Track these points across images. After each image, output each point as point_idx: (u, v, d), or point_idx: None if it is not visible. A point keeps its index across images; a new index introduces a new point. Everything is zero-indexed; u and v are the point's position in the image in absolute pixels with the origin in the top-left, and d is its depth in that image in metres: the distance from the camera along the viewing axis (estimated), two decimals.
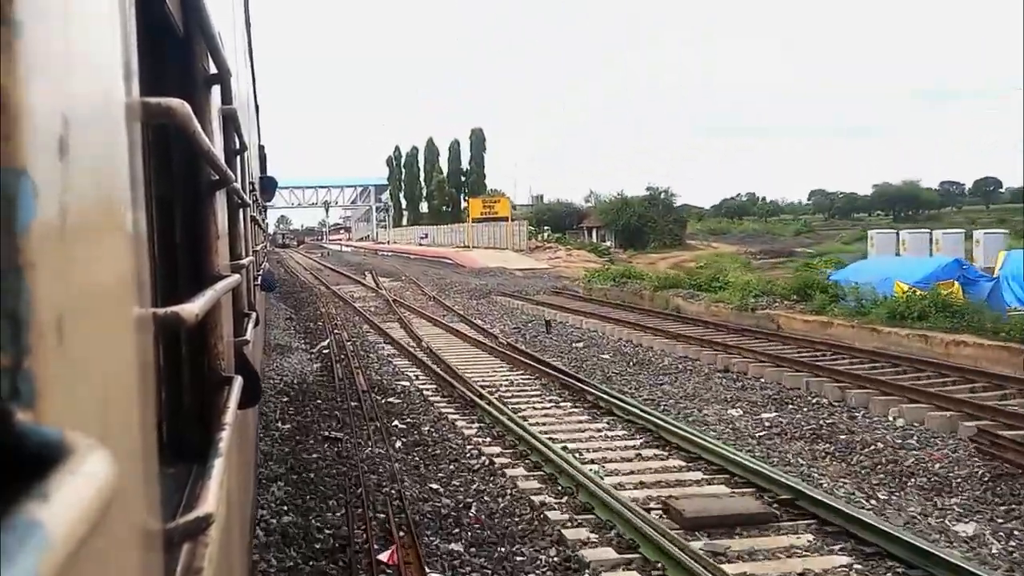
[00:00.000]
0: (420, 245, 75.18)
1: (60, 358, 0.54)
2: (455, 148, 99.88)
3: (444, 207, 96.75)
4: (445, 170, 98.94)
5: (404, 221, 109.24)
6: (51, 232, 0.54)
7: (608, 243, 63.40)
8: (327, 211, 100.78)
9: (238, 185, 2.87)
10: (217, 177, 1.95)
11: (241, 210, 3.32)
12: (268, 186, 10.14)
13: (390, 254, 67.85)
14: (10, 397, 0.47)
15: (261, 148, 10.98)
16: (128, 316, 0.81)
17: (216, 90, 2.13)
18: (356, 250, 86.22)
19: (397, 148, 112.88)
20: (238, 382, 1.93)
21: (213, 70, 2.01)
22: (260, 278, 7.32)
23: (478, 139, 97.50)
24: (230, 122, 2.63)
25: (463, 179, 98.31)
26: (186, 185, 1.89)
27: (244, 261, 3.18)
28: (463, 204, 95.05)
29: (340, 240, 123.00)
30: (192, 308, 1.24)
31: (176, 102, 1.19)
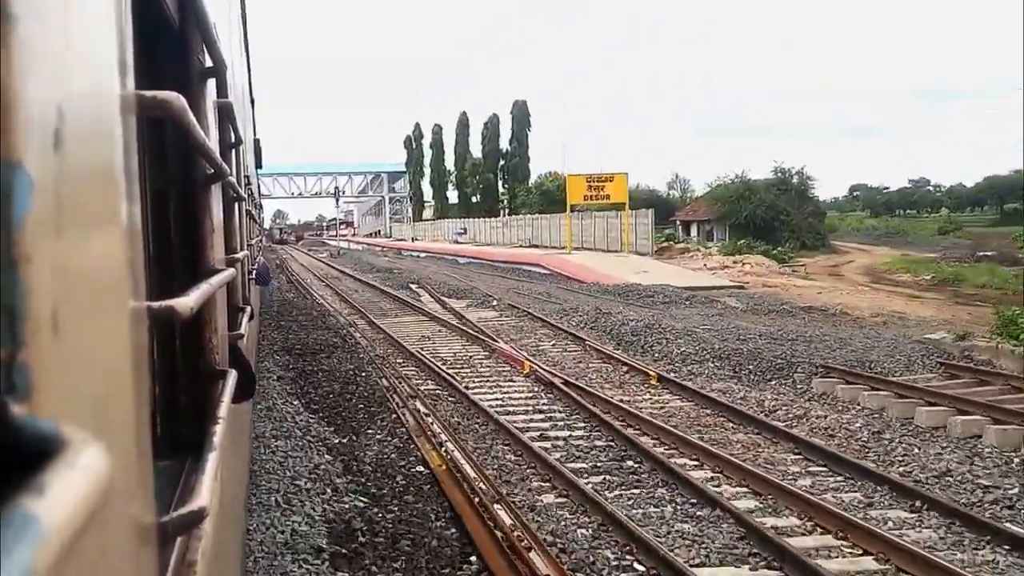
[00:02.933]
0: (457, 243, 61.66)
1: (55, 351, 0.54)
2: (493, 124, 79.61)
3: (478, 196, 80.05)
4: (476, 153, 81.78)
5: (429, 213, 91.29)
6: (46, 225, 0.54)
7: (719, 241, 47.50)
8: (337, 200, 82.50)
9: (233, 179, 2.87)
10: (212, 170, 1.94)
11: (236, 204, 3.32)
12: None
13: (422, 255, 54.36)
14: (5, 391, 0.47)
15: (256, 142, 10.97)
16: (123, 309, 0.81)
17: (211, 83, 2.13)
18: (369, 248, 69.22)
19: (417, 127, 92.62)
20: (232, 376, 1.93)
21: (208, 63, 2.01)
22: (255, 272, 7.31)
23: (521, 113, 77.71)
24: (225, 115, 2.63)
25: (502, 162, 79.23)
26: (181, 178, 1.88)
27: (239, 255, 3.17)
28: (501, 192, 79.77)
29: (345, 236, 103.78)
30: (187, 302, 1.24)
31: (171, 95, 1.19)
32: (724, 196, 51.29)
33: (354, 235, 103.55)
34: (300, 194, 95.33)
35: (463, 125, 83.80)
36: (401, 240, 79.13)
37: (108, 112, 0.78)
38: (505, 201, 77.64)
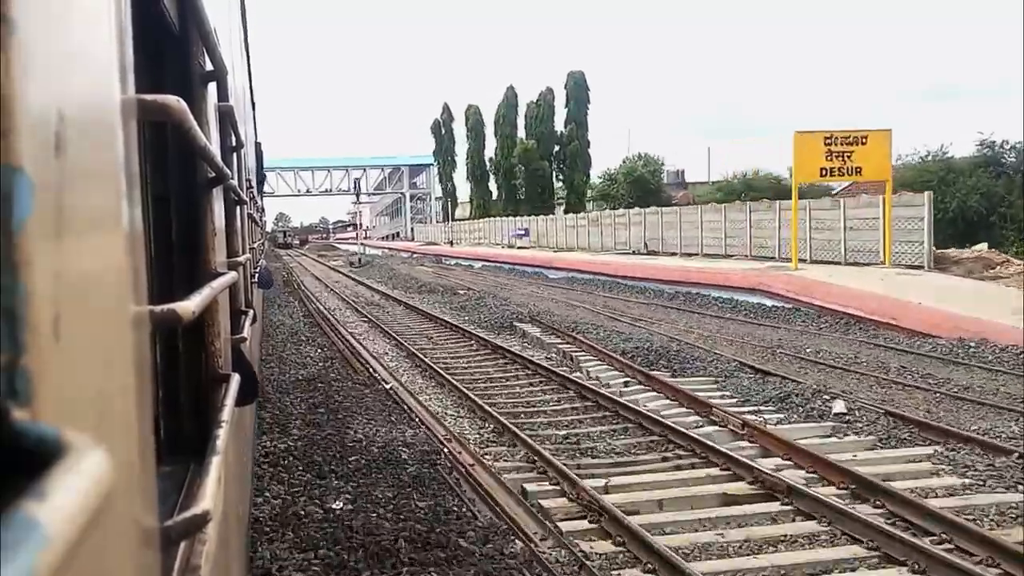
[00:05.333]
0: (516, 247, 50.58)
1: (56, 356, 0.54)
2: (546, 102, 63.78)
3: (523, 190, 63.70)
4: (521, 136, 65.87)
5: (461, 212, 76.24)
6: (47, 229, 0.54)
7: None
8: (358, 195, 67.71)
9: (235, 182, 2.87)
10: (214, 174, 1.95)
11: (238, 207, 3.32)
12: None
13: (476, 264, 44.12)
14: (7, 395, 0.47)
15: (258, 145, 10.97)
16: (125, 313, 0.81)
17: (212, 87, 2.13)
18: (392, 254, 59.91)
19: (447, 108, 76.73)
20: (235, 379, 1.93)
21: (209, 67, 2.01)
22: (257, 275, 7.31)
23: (578, 88, 61.74)
24: (226, 119, 2.63)
25: (556, 147, 63.64)
26: (183, 182, 1.89)
27: (241, 258, 3.18)
28: (556, 184, 64.87)
29: (355, 239, 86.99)
30: (189, 305, 1.23)
31: (172, 99, 1.19)
32: (913, 180, 34.24)
33: (366, 237, 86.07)
34: (308, 191, 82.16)
35: (508, 106, 66.37)
36: (432, 244, 66.58)
37: (109, 116, 0.78)
38: (563, 194, 63.99)
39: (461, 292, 25.13)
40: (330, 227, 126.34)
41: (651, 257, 34.99)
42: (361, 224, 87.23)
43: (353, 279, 34.47)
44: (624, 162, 57.86)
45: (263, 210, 18.20)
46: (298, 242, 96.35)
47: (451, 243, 62.87)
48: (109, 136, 0.78)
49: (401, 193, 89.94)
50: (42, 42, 0.55)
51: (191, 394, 1.86)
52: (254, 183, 8.27)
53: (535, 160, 62.82)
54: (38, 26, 0.54)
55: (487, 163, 70.50)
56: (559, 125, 64.04)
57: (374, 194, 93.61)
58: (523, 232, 52.91)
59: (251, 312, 3.46)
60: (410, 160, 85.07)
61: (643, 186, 53.56)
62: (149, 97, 1.13)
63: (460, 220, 72.93)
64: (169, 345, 1.83)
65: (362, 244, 66.99)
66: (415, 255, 56.62)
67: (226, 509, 1.94)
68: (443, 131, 77.06)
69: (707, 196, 40.51)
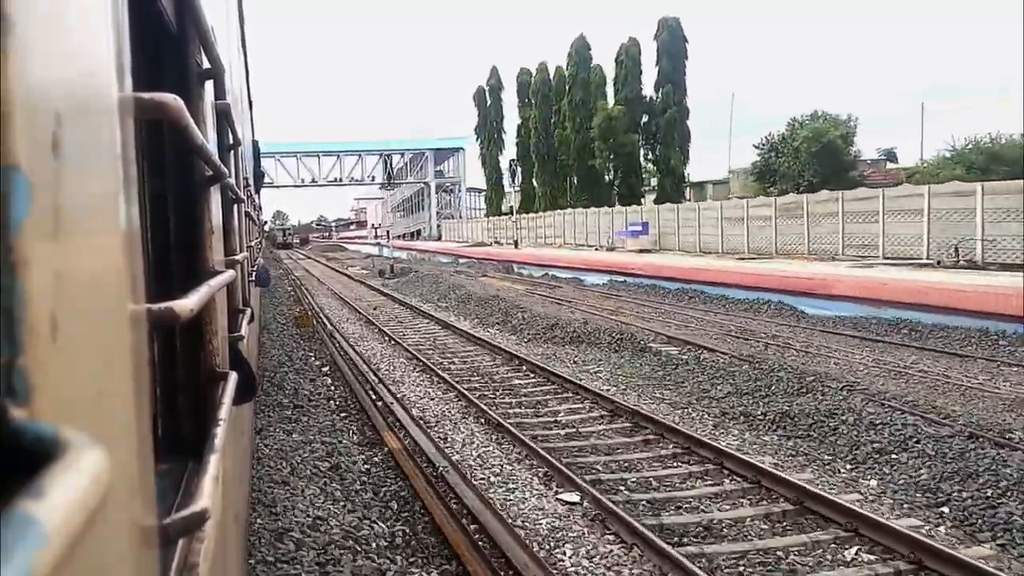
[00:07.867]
0: (628, 249, 34.93)
1: (54, 355, 0.54)
2: (631, 56, 46.68)
3: (610, 171, 47.31)
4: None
5: (530, 204, 55.43)
6: (44, 229, 0.54)
7: None
8: (390, 177, 57.49)
9: (232, 180, 2.87)
10: (211, 173, 1.94)
11: (235, 205, 3.32)
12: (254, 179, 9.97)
13: (593, 278, 29.03)
14: (5, 394, 0.47)
15: (255, 143, 10.96)
16: (122, 312, 0.81)
17: (209, 85, 2.13)
18: (421, 257, 47.79)
19: (495, 72, 60.27)
20: (233, 378, 1.94)
21: (206, 65, 2.01)
22: (254, 274, 7.30)
23: (674, 37, 45.17)
24: (223, 117, 2.63)
25: (646, 116, 47.18)
26: (180, 181, 1.89)
27: (238, 257, 3.18)
28: (646, 164, 48.97)
29: (364, 239, 75.24)
30: (186, 304, 1.23)
31: (169, 97, 1.19)
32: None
33: (376, 237, 72.36)
34: (313, 180, 66.49)
35: (578, 60, 48.97)
36: (480, 245, 51.28)
37: (106, 115, 0.78)
38: (655, 180, 49.07)
39: (680, 354, 12.52)
40: (332, 225, 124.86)
41: (980, 272, 18.34)
42: (353, 223, 77.69)
43: (400, 302, 22.04)
44: (794, 125, 39.30)
45: (260, 208, 18.11)
46: (298, 241, 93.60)
47: (516, 244, 46.70)
48: (106, 135, 0.78)
49: (424, 183, 73.25)
50: (39, 41, 0.55)
51: (189, 392, 1.86)
52: (251, 181, 8.27)
53: (619, 133, 45.59)
54: (35, 25, 0.54)
55: (554, 138, 52.88)
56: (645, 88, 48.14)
57: (394, 183, 76.98)
58: (639, 228, 36.46)
59: (249, 310, 3.46)
60: (436, 143, 70.65)
61: (833, 157, 36.31)
62: (146, 95, 1.12)
63: (527, 215, 54.29)
64: (167, 343, 1.83)
65: (384, 245, 54.44)
66: (461, 259, 43.46)
67: (225, 507, 1.94)
68: (488, 101, 59.72)
69: (928, 174, 28.54)
